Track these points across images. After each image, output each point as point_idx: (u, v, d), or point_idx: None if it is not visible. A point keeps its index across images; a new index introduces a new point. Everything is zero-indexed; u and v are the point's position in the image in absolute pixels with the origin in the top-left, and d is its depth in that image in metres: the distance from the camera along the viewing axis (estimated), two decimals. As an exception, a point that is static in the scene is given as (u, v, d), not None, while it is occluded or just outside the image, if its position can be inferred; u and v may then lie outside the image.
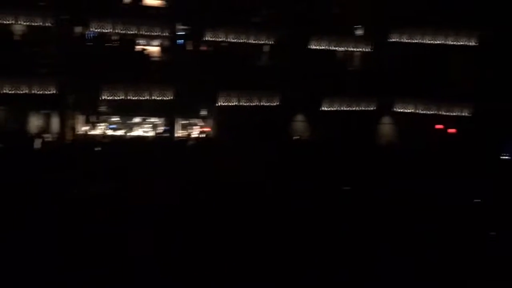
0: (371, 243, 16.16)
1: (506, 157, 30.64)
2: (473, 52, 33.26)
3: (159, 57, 31.75)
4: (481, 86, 32.63)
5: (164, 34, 30.56)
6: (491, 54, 32.41)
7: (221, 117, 31.64)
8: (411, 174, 24.32)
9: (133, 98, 29.67)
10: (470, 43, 33.23)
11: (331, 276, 13.82)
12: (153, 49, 31.56)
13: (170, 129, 31.31)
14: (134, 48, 31.05)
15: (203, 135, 31.96)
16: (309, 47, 33.09)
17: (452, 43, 33.33)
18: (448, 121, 33.64)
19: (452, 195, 20.98)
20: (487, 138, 30.46)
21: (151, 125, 31.36)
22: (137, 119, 31.31)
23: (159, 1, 30.91)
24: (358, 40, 34.49)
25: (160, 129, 31.39)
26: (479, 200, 21.04)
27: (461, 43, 33.27)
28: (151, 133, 31.18)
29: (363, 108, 34.23)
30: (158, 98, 30.07)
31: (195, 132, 32.00)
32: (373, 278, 13.88)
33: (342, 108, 33.85)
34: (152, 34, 30.28)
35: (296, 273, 13.86)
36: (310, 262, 14.49)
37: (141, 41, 31.06)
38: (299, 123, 33.92)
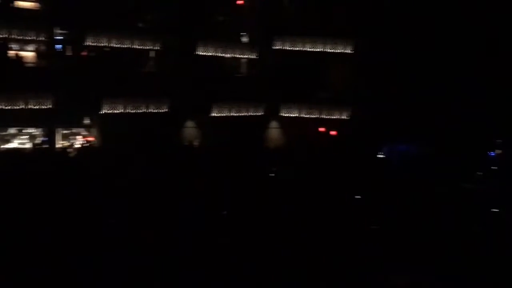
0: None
1: (381, 156, 33.42)
2: (350, 59, 35.63)
3: (35, 63, 29.61)
4: (358, 91, 35.05)
5: (40, 39, 28.60)
6: (366, 61, 34.92)
7: (106, 126, 30.36)
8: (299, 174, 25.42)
9: (7, 108, 27.37)
10: (347, 51, 35.57)
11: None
12: (28, 54, 29.37)
13: (50, 139, 29.34)
14: (5, 53, 28.62)
15: (87, 145, 30.39)
16: (196, 53, 33.05)
17: (330, 50, 35.41)
18: (330, 124, 35.65)
19: (335, 193, 22.26)
20: (364, 139, 32.81)
21: (28, 136, 29.14)
22: (12, 130, 28.92)
23: (34, 3, 28.89)
24: (244, 47, 35.22)
25: (39, 140, 29.30)
26: (359, 197, 22.56)
27: (339, 50, 35.48)
28: (28, 145, 28.96)
29: (251, 114, 34.99)
30: (35, 107, 28.04)
31: (77, 142, 30.33)
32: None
33: (230, 114, 34.28)
34: (26, 38, 28.17)
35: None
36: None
37: (14, 46, 28.75)
38: (188, 130, 33.70)
